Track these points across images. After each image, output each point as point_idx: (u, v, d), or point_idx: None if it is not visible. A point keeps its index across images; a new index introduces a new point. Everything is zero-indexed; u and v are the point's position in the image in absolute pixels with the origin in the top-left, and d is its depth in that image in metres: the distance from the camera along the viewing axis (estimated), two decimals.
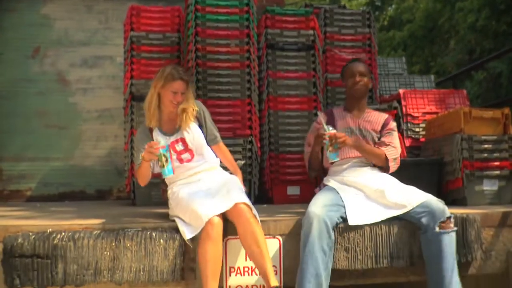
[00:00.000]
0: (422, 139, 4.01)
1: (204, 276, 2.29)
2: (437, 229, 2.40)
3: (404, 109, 4.11)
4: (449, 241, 2.40)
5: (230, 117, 3.86)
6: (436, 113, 4.06)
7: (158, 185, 3.60)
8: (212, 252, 2.29)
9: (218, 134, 2.83)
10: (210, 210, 2.34)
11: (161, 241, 2.37)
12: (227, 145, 2.95)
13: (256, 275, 2.43)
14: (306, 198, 3.62)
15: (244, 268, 2.47)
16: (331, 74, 4.24)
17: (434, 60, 11.81)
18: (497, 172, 3.33)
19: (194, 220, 2.37)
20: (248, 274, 2.47)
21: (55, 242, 2.30)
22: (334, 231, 2.44)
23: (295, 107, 3.97)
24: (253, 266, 2.42)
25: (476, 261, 2.63)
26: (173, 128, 2.73)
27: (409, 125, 4.08)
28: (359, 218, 2.50)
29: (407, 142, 4.01)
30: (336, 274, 2.47)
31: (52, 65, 5.38)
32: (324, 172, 2.98)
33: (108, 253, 2.33)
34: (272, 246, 2.48)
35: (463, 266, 2.55)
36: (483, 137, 3.34)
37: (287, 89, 3.99)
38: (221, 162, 2.86)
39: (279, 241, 2.50)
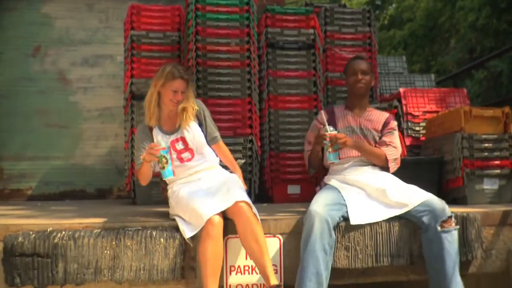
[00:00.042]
0: (423, 138, 4.01)
1: (204, 275, 2.29)
2: (438, 228, 2.40)
3: (404, 108, 4.11)
4: (451, 240, 2.40)
5: (231, 116, 3.86)
6: (437, 112, 4.05)
7: (158, 183, 3.60)
8: (212, 251, 2.29)
9: (218, 133, 2.83)
10: (210, 209, 2.34)
11: (162, 240, 2.37)
12: (228, 144, 2.95)
13: (257, 274, 2.43)
14: (306, 197, 3.63)
15: (244, 267, 2.47)
16: (332, 73, 4.24)
17: (434, 59, 11.80)
18: (498, 171, 3.33)
19: (194, 219, 2.37)
20: (249, 273, 2.47)
21: (56, 241, 2.30)
22: (335, 230, 2.44)
23: (295, 106, 3.97)
24: (254, 265, 2.42)
25: (477, 260, 2.63)
26: (173, 127, 2.73)
27: (409, 124, 4.08)
28: (361, 217, 2.49)
29: (408, 141, 4.01)
30: (336, 273, 2.47)
31: (53, 64, 5.38)
32: (324, 170, 2.98)
33: (108, 252, 2.34)
34: (273, 245, 2.48)
35: (463, 265, 2.55)
36: (484, 136, 3.34)
37: (287, 88, 3.98)
38: (221, 161, 2.86)
39: (280, 240, 2.50)
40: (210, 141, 2.79)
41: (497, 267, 2.69)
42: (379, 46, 9.04)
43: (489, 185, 3.32)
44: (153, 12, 4.06)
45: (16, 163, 5.21)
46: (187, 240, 2.37)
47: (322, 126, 2.74)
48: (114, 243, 2.34)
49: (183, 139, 2.70)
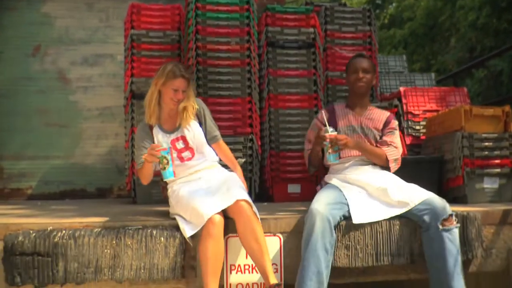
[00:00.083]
0: (423, 137, 4.01)
1: (205, 274, 2.29)
2: (439, 227, 2.39)
3: (404, 107, 4.11)
4: (452, 238, 2.40)
5: (231, 115, 3.85)
6: (437, 111, 4.05)
7: (158, 183, 3.60)
8: (213, 250, 2.29)
9: (218, 132, 2.83)
10: (211, 208, 2.34)
11: (162, 239, 2.37)
12: (228, 143, 2.95)
13: (257, 273, 2.43)
14: (306, 196, 3.63)
15: (244, 266, 2.47)
16: (332, 72, 4.24)
17: (434, 58, 11.81)
18: (498, 170, 3.32)
19: (195, 218, 2.37)
20: (249, 272, 2.47)
21: (56, 240, 2.30)
22: (335, 229, 2.44)
23: (295, 105, 3.97)
24: (254, 264, 2.42)
25: (477, 259, 2.63)
26: (173, 126, 2.73)
27: (409, 123, 4.08)
28: (363, 216, 2.49)
29: (408, 140, 4.01)
30: (337, 272, 2.47)
31: (53, 63, 5.38)
32: (324, 169, 2.98)
33: (108, 251, 2.34)
34: (273, 244, 2.48)
35: (463, 264, 2.54)
36: (484, 135, 3.34)
37: (287, 87, 3.98)
38: (221, 160, 2.86)
39: (280, 239, 2.50)
40: (210, 140, 2.78)
41: (497, 266, 2.69)
42: (379, 45, 9.05)
43: (489, 184, 3.32)
44: (153, 11, 4.06)
45: (16, 162, 5.22)
46: (187, 239, 2.37)
47: (322, 126, 2.74)
48: (114, 242, 2.34)
49: (184, 138, 2.70)
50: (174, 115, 2.73)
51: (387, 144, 2.81)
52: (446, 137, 3.50)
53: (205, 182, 2.61)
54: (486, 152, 3.33)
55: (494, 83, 8.79)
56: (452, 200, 3.27)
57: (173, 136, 2.70)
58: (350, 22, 4.33)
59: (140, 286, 2.41)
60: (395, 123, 2.90)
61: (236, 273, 2.47)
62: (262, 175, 3.89)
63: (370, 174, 2.71)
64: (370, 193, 2.61)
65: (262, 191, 3.87)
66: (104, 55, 5.46)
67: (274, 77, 3.98)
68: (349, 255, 2.48)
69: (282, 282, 2.45)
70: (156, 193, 3.73)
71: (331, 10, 4.32)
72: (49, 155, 5.27)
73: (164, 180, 2.62)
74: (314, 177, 3.77)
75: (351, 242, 2.48)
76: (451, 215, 2.42)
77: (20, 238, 2.29)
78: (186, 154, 2.69)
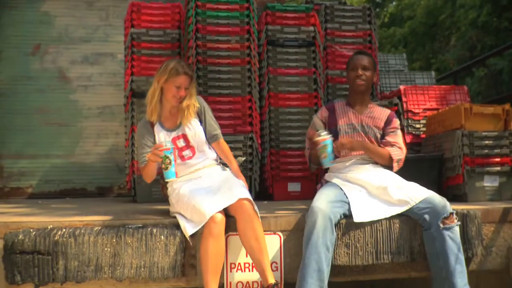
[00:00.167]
0: (423, 136, 4.01)
1: (205, 273, 2.29)
2: (440, 225, 2.39)
3: (404, 105, 4.11)
4: (453, 236, 2.40)
5: (231, 113, 3.85)
6: (437, 109, 4.05)
7: (158, 181, 3.60)
8: (213, 249, 2.29)
9: (219, 130, 2.82)
10: (212, 207, 2.34)
11: (162, 237, 2.37)
12: (228, 142, 2.94)
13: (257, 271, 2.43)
14: (307, 194, 3.63)
15: (245, 264, 2.47)
16: (332, 71, 4.23)
17: (435, 56, 11.81)
18: (498, 168, 3.32)
19: (196, 216, 2.37)
20: (249, 270, 2.47)
21: (56, 238, 2.31)
22: (336, 227, 2.44)
23: (295, 104, 3.97)
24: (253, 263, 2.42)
25: (477, 257, 2.64)
26: (174, 123, 2.72)
27: (409, 121, 4.08)
28: (364, 215, 2.49)
29: (408, 139, 4.00)
30: (337, 270, 2.47)
31: (53, 62, 5.38)
32: (325, 168, 2.97)
33: (109, 250, 2.34)
34: (273, 242, 2.48)
35: None
36: (484, 133, 3.34)
37: (287, 86, 3.98)
38: (221, 158, 2.85)
39: (280, 237, 2.50)
40: (210, 138, 2.77)
41: (497, 264, 2.69)
42: (380, 44, 9.06)
43: (489, 182, 3.32)
44: (153, 10, 4.05)
45: (16, 161, 5.21)
46: (187, 238, 2.37)
47: (319, 130, 2.76)
48: (114, 240, 2.34)
49: (185, 137, 2.69)
50: (175, 112, 2.72)
51: (390, 144, 2.81)
52: (446, 136, 3.50)
53: (205, 180, 2.61)
54: (486, 151, 3.33)
55: (495, 81, 8.79)
56: (452, 199, 3.26)
57: (174, 134, 2.70)
58: (350, 20, 4.33)
59: (140, 284, 2.41)
60: (397, 122, 2.90)
61: (236, 271, 2.47)
62: (262, 174, 3.89)
63: (370, 173, 2.71)
64: (371, 191, 2.61)
65: (262, 189, 3.87)
66: (104, 54, 5.45)
67: (274, 76, 3.97)
68: (349, 253, 2.48)
69: (282, 280, 2.45)
70: (156, 191, 3.73)
71: (331, 8, 4.32)
72: (49, 154, 5.27)
73: (166, 180, 2.61)
74: (314, 175, 3.77)
75: (351, 240, 2.49)
76: (451, 213, 2.42)
77: (21, 236, 2.29)
78: (186, 152, 2.69)
